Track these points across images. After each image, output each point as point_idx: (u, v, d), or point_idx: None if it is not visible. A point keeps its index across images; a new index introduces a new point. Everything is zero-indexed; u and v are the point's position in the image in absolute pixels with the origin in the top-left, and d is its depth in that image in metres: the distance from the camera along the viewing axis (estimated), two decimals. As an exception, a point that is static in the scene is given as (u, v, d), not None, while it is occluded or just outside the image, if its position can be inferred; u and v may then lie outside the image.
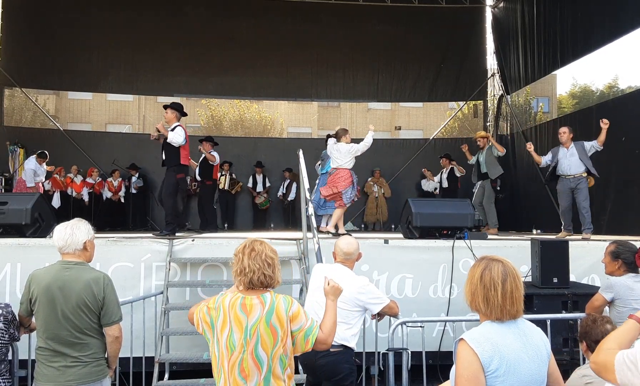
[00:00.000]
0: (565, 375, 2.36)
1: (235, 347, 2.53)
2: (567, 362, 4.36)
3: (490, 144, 9.27)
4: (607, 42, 9.27)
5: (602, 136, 7.27)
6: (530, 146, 8.00)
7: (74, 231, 3.15)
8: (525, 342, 2.11)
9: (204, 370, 4.66)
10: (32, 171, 9.86)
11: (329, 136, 9.10)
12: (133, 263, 5.75)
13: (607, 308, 3.94)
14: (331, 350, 3.66)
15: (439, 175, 12.04)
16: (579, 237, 7.16)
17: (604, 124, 7.21)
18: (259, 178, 12.76)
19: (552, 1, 10.66)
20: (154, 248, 5.85)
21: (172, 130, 7.00)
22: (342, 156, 7.40)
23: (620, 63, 50.59)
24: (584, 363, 3.28)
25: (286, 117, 27.21)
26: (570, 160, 7.47)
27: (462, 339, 2.09)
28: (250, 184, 12.74)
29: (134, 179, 12.34)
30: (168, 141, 6.93)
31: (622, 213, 8.50)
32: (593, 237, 7.15)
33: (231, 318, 2.56)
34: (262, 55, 12.86)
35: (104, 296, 3.09)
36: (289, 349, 2.61)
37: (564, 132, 7.58)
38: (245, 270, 2.60)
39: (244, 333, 2.53)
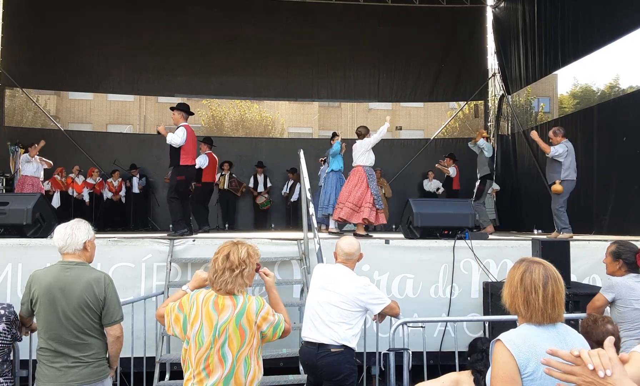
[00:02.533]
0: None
1: (204, 343, 2.61)
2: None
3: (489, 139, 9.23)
4: (608, 42, 9.26)
5: (541, 145, 7.36)
6: (534, 134, 7.67)
7: (74, 232, 3.15)
8: (564, 347, 2.04)
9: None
10: (25, 162, 9.74)
11: (334, 134, 9.16)
12: (134, 263, 5.75)
13: (608, 308, 3.95)
14: (332, 350, 3.68)
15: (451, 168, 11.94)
16: (567, 236, 7.08)
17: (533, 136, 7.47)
18: (260, 178, 12.74)
19: (553, 1, 10.64)
20: (154, 248, 5.84)
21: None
22: (359, 153, 7.44)
23: (621, 63, 50.60)
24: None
25: (287, 117, 27.18)
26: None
27: (498, 340, 2.04)
28: (251, 184, 12.73)
29: (135, 179, 12.35)
30: (167, 142, 7.00)
31: (623, 213, 8.48)
32: (594, 237, 7.12)
33: (203, 313, 2.65)
34: (262, 55, 12.86)
35: (105, 296, 3.10)
36: (254, 349, 2.69)
37: (550, 138, 7.47)
38: (211, 275, 2.78)
39: (213, 331, 2.61)
